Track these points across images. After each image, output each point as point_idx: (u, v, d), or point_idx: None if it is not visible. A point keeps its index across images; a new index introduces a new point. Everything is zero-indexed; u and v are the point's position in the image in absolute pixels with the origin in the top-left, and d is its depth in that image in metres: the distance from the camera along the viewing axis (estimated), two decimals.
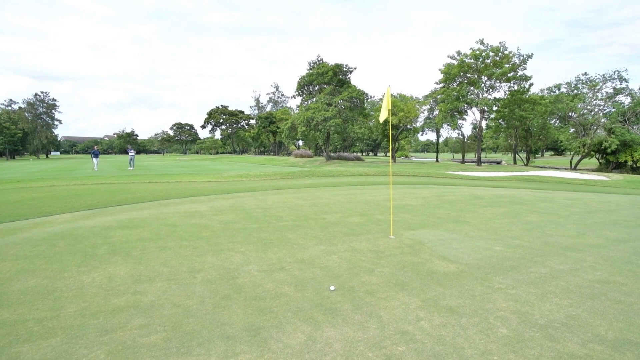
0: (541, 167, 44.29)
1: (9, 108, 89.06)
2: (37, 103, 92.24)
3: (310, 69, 51.00)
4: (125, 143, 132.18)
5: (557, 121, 51.19)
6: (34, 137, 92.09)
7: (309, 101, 51.34)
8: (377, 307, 3.91)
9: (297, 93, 52.88)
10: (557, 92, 46.66)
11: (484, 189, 15.39)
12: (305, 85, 51.88)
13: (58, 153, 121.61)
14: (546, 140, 58.49)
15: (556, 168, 43.44)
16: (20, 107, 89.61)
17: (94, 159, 30.35)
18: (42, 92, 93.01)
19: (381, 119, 6.98)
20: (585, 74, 44.87)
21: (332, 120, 44.17)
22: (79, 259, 5.51)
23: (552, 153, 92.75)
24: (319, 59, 51.09)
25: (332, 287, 4.42)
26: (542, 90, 48.15)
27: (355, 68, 49.19)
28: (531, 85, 41.51)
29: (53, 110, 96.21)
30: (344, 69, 48.81)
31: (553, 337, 3.30)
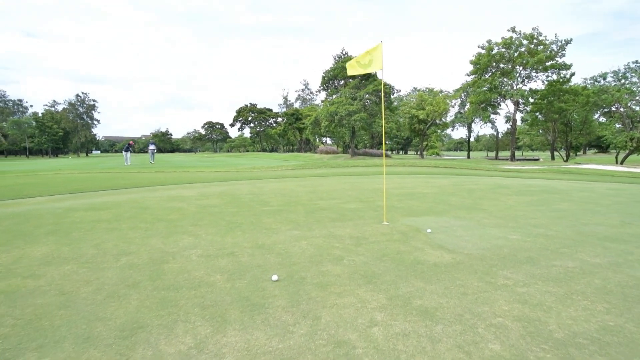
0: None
1: (53, 109, 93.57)
2: (78, 104, 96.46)
3: (335, 62, 49.81)
4: (161, 142, 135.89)
5: (601, 116, 47.16)
6: (74, 136, 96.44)
7: (334, 96, 50.17)
8: (321, 305, 2.81)
9: (321, 87, 51.83)
10: (603, 82, 42.89)
11: (512, 179, 13.73)
12: (330, 80, 50.72)
13: (99, 152, 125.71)
14: (588, 135, 54.12)
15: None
16: (64, 108, 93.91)
17: (125, 153, 27.36)
18: (82, 93, 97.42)
19: (350, 72, 6.01)
20: (636, 61, 40.85)
21: (357, 114, 42.72)
22: (4, 239, 4.75)
23: (595, 150, 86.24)
24: (344, 52, 49.76)
25: (274, 277, 3.36)
26: (584, 80, 44.43)
27: None
28: (572, 74, 38.28)
29: (92, 111, 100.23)
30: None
31: None
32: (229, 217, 6.27)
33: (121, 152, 38.67)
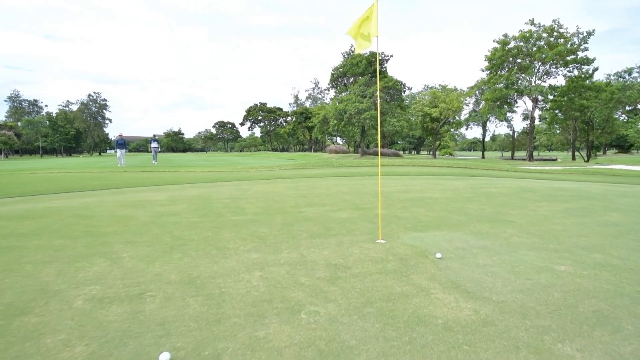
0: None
1: (67, 109, 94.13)
2: (90, 103, 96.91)
3: (344, 60, 48.35)
4: (173, 141, 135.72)
5: (624, 114, 44.60)
6: (86, 136, 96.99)
7: (343, 94, 48.71)
8: None
9: (330, 85, 50.44)
10: (628, 78, 40.46)
11: (536, 182, 12.07)
12: (339, 77, 49.27)
13: (112, 151, 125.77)
14: (610, 134, 51.32)
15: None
16: (78, 108, 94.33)
17: (119, 151, 23.17)
18: (94, 93, 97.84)
19: (358, 49, 4.64)
20: None
21: (367, 112, 41.10)
22: None
23: (616, 150, 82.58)
24: (352, 49, 48.29)
25: (163, 357, 1.94)
26: (608, 76, 42.02)
27: (391, 56, 45.86)
28: (595, 70, 35.97)
29: (104, 110, 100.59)
30: (379, 57, 45.67)
31: None
32: (181, 230, 4.90)
33: (135, 152, 36.96)
